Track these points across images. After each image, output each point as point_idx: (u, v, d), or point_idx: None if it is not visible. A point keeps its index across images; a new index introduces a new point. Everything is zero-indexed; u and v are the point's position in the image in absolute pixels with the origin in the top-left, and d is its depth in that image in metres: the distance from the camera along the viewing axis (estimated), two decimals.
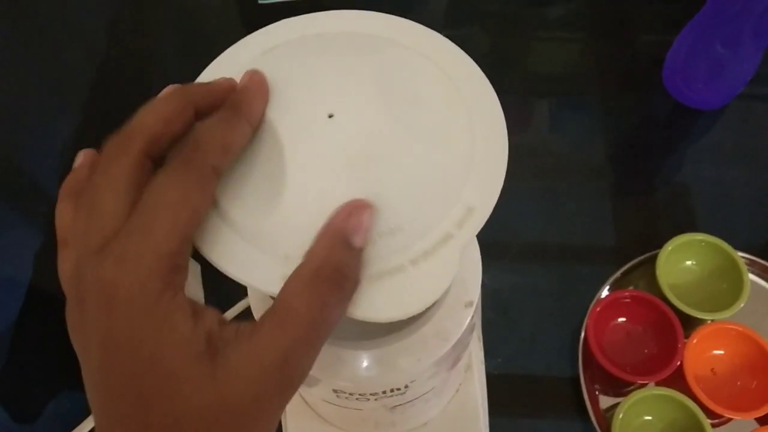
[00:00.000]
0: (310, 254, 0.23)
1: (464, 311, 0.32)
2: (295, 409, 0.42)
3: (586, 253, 0.57)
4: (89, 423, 0.46)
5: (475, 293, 0.32)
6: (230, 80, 0.26)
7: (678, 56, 0.60)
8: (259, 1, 0.68)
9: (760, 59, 0.55)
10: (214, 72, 0.28)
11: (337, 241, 0.22)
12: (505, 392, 0.50)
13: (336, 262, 0.22)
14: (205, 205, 0.23)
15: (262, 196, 0.24)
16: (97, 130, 0.64)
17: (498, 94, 0.27)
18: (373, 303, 0.22)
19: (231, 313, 0.49)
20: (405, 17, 0.29)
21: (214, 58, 0.29)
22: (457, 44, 0.29)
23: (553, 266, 0.56)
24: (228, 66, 0.28)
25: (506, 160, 0.25)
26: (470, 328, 0.33)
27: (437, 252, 0.23)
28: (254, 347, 0.21)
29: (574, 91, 0.65)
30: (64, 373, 0.51)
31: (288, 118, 0.25)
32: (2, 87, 0.67)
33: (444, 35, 0.29)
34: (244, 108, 0.25)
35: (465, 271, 0.33)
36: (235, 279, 0.23)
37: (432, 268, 0.23)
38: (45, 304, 0.54)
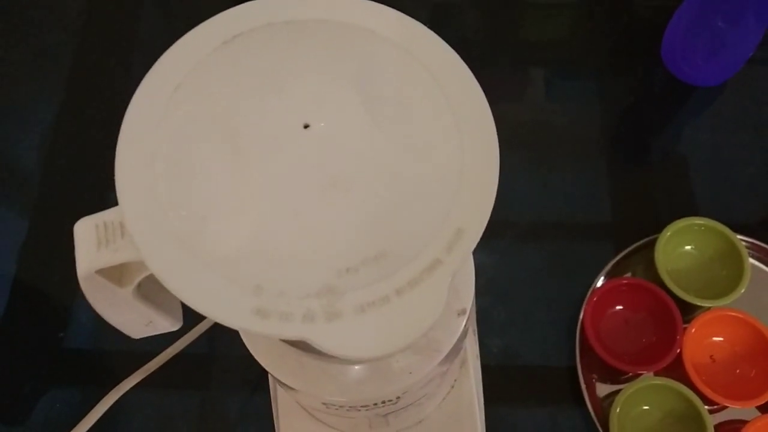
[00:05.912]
0: None
1: (457, 320, 0.30)
2: (288, 410, 0.42)
3: (583, 235, 0.55)
4: (83, 425, 0.45)
5: (468, 300, 0.31)
6: None
7: (677, 31, 0.58)
8: None
9: (761, 37, 0.53)
10: (166, 66, 0.24)
11: None
12: (501, 382, 0.49)
13: None
14: None
15: (228, 219, 0.22)
16: (77, 114, 0.62)
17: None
18: (353, 339, 0.20)
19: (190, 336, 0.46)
20: None
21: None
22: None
23: (549, 248, 0.54)
24: (182, 59, 0.24)
25: (498, 173, 0.23)
26: (463, 335, 0.32)
27: (424, 280, 0.21)
28: None
29: (568, 62, 0.62)
30: (54, 372, 0.50)
31: (257, 128, 0.23)
32: None
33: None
34: None
35: (457, 276, 0.32)
36: (199, 312, 0.21)
37: (419, 299, 0.21)
38: (32, 300, 0.52)
